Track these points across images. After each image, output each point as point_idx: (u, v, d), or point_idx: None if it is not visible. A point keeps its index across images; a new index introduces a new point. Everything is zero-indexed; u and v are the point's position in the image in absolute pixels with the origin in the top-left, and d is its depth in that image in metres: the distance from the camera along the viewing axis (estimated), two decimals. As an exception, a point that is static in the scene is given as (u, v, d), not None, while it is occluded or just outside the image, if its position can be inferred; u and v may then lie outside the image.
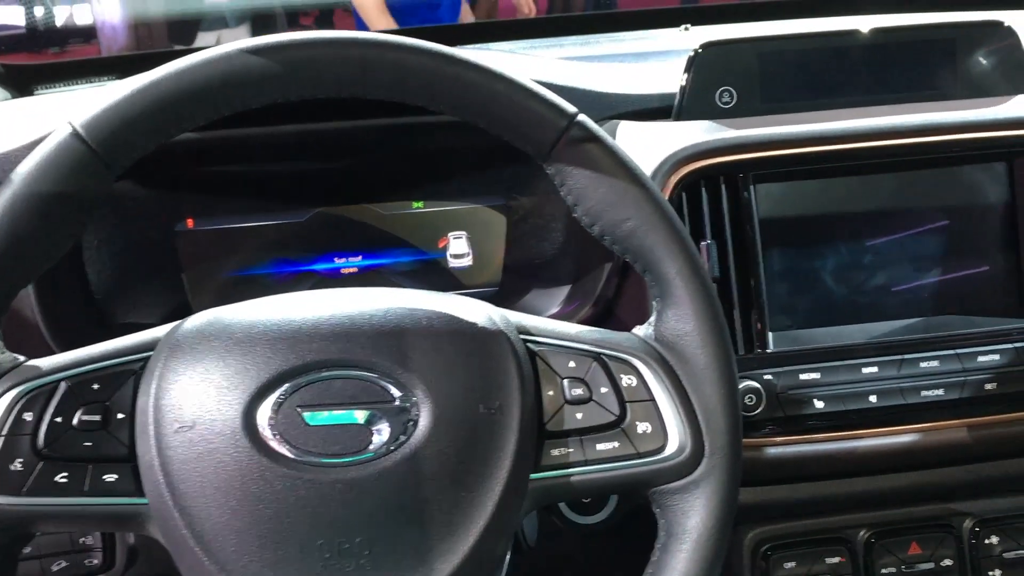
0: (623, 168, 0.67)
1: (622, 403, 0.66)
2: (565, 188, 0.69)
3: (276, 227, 1.05)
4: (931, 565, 0.98)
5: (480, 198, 1.08)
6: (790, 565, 0.97)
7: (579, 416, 0.66)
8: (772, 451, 0.91)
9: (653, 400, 0.66)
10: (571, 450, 0.65)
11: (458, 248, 1.09)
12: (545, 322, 0.69)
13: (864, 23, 1.03)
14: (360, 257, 1.08)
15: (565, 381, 0.66)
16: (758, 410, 0.88)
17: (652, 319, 0.69)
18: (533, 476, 0.65)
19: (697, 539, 0.65)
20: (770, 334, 0.92)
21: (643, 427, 0.66)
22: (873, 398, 0.90)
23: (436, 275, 1.08)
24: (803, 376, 0.90)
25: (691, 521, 0.65)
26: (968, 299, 0.96)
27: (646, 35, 1.43)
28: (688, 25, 1.39)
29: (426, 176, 1.08)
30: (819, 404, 0.90)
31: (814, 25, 1.27)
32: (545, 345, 0.67)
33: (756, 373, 0.89)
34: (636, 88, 1.03)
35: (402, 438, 0.61)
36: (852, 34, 0.99)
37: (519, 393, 0.64)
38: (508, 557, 0.71)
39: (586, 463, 0.65)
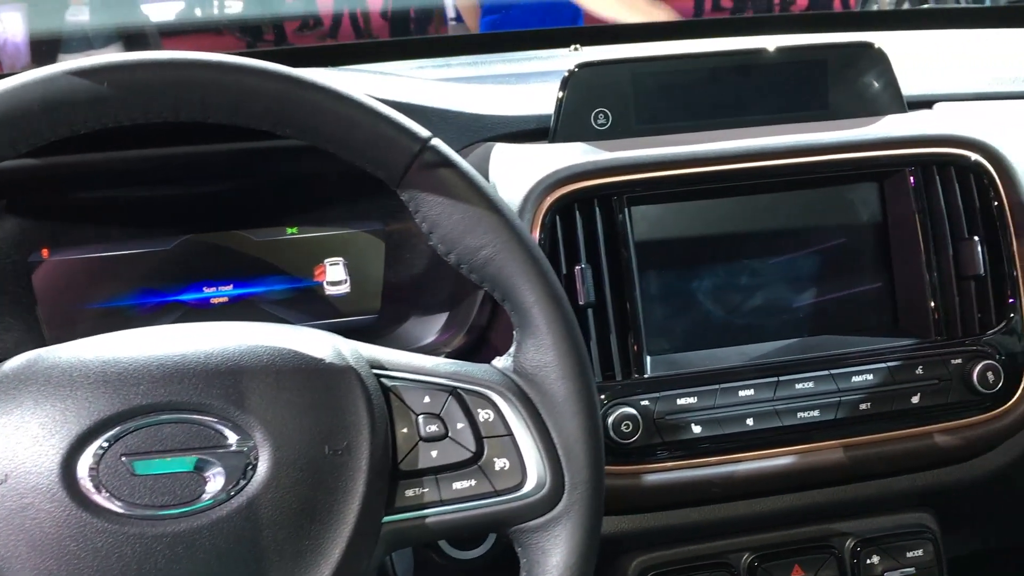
0: (478, 194, 0.65)
1: (479, 439, 0.64)
2: (419, 215, 0.66)
3: (139, 256, 1.00)
4: (814, 588, 0.98)
5: (357, 223, 1.05)
6: (674, 592, 0.96)
7: (434, 454, 0.63)
8: (651, 478, 0.89)
9: (511, 435, 0.64)
10: (426, 490, 0.63)
11: (335, 275, 1.05)
12: (400, 355, 0.66)
13: (740, 44, 1.04)
14: (231, 286, 1.03)
15: (420, 417, 0.64)
16: (635, 437, 0.86)
17: (512, 350, 0.67)
18: (386, 519, 0.62)
19: (558, 578, 0.63)
20: (648, 358, 0.90)
21: (501, 463, 0.63)
22: (750, 421, 0.90)
23: (313, 303, 1.05)
24: (680, 401, 0.88)
25: (552, 560, 0.63)
26: (844, 319, 0.96)
27: (538, 55, 1.42)
28: (578, 45, 1.38)
29: (300, 201, 1.04)
30: (697, 429, 0.89)
31: (690, 46, 1.27)
32: (399, 380, 0.64)
33: (633, 399, 0.87)
34: (513, 109, 1.01)
35: (240, 484, 0.58)
36: (726, 55, 0.99)
37: (368, 432, 0.61)
38: None
39: (442, 503, 0.63)
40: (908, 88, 1.02)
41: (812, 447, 0.91)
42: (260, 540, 0.57)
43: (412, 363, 0.65)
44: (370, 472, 0.60)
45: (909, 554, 1.00)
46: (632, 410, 0.86)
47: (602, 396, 0.87)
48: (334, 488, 0.59)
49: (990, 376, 0.91)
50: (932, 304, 0.94)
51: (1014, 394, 0.94)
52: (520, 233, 0.65)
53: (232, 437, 0.58)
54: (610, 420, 0.86)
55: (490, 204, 0.65)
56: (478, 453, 0.63)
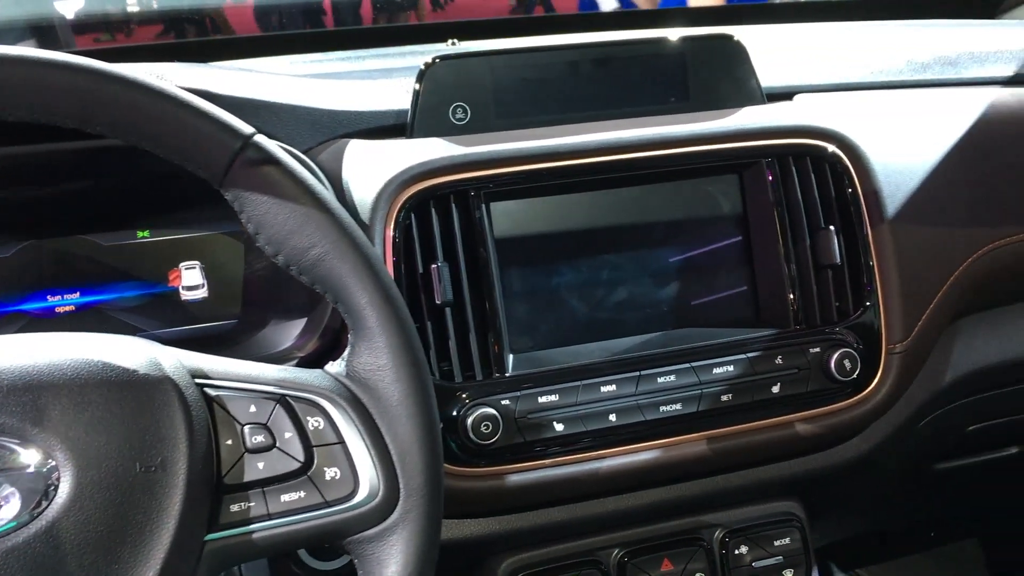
0: (306, 192, 0.63)
1: (308, 448, 0.61)
2: (245, 215, 0.63)
3: None
4: (683, 580, 0.98)
5: (214, 224, 1.01)
6: (543, 593, 0.95)
7: (261, 466, 0.60)
8: (515, 478, 0.87)
9: (342, 443, 0.61)
10: (252, 504, 0.60)
11: (191, 279, 1.01)
12: (225, 363, 0.63)
13: (601, 37, 1.03)
14: (78, 294, 0.98)
15: (245, 428, 0.61)
16: (495, 438, 0.84)
17: (346, 353, 0.64)
18: (209, 537, 0.59)
19: (393, 590, 0.61)
20: (510, 357, 0.89)
21: (332, 473, 0.61)
22: (613, 417, 0.89)
23: (168, 309, 1.00)
24: (542, 399, 0.87)
25: (388, 570, 0.61)
26: (706, 311, 0.96)
27: (415, 51, 1.39)
28: (455, 40, 1.36)
29: (152, 202, 1.00)
30: (559, 427, 0.87)
31: (551, 39, 1.26)
32: (223, 389, 0.61)
33: (493, 399, 0.86)
34: (372, 105, 0.98)
35: (41, 507, 0.54)
36: (585, 48, 0.98)
37: (186, 446, 0.57)
38: None
39: (269, 517, 0.60)
40: (768, 80, 1.03)
41: (675, 440, 0.91)
42: (64, 566, 0.53)
43: (237, 371, 0.62)
44: (188, 488, 0.57)
45: (777, 543, 1.01)
46: (492, 410, 0.85)
47: (463, 396, 0.85)
48: (147, 507, 0.56)
49: (847, 364, 0.92)
50: (791, 294, 0.94)
51: (872, 381, 0.95)
52: (351, 232, 0.63)
53: (29, 458, 0.54)
54: (469, 421, 0.84)
55: (318, 202, 0.63)
56: (307, 463, 0.61)
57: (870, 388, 0.95)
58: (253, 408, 0.61)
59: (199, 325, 1.00)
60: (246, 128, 0.63)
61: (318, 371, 0.64)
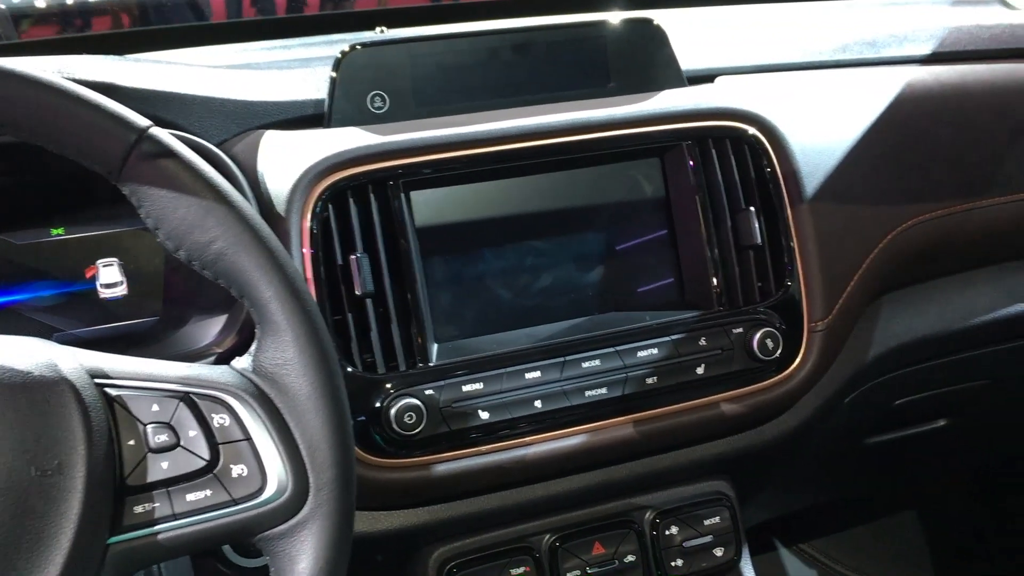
0: (205, 185, 0.61)
1: (213, 446, 0.60)
2: (143, 210, 0.62)
3: None
4: (615, 564, 0.98)
5: (131, 220, 0.98)
6: (475, 581, 0.95)
7: (165, 465, 0.59)
8: (441, 468, 0.87)
9: (248, 439, 0.61)
10: (157, 504, 0.59)
11: (109, 276, 0.98)
12: (126, 362, 0.62)
13: (526, 23, 1.02)
14: (-9, 294, 0.95)
15: (148, 428, 0.59)
16: (419, 428, 0.84)
17: (252, 348, 0.63)
18: (112, 540, 0.58)
19: (305, 586, 0.60)
20: (434, 346, 0.88)
21: (238, 470, 0.60)
22: (538, 403, 0.89)
23: (86, 308, 0.98)
24: (466, 388, 0.87)
25: (300, 566, 0.60)
26: (632, 295, 0.96)
27: (344, 39, 1.37)
28: (383, 28, 1.34)
29: (65, 199, 0.97)
30: (484, 415, 0.87)
31: (470, 26, 1.25)
32: (125, 389, 0.60)
33: (416, 389, 0.85)
34: (290, 95, 0.97)
35: None
36: (505, 34, 0.97)
37: (85, 448, 0.56)
38: None
39: (175, 517, 0.59)
40: (689, 63, 1.03)
41: (602, 425, 0.91)
42: (-45, 577, 0.52)
43: (139, 370, 0.61)
44: (87, 491, 0.55)
45: (707, 522, 1.02)
46: (415, 400, 0.84)
47: (386, 387, 0.85)
48: (44, 513, 0.54)
49: (769, 343, 0.93)
50: (713, 276, 0.95)
51: (795, 359, 0.96)
52: (253, 225, 0.62)
53: None
54: (392, 412, 0.83)
55: (218, 195, 0.61)
56: (213, 461, 0.60)
57: (793, 366, 0.96)
58: (156, 407, 0.60)
59: (119, 323, 0.98)
60: (141, 121, 0.61)
61: (224, 367, 0.63)
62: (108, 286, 0.98)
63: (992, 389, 1.23)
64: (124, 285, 0.99)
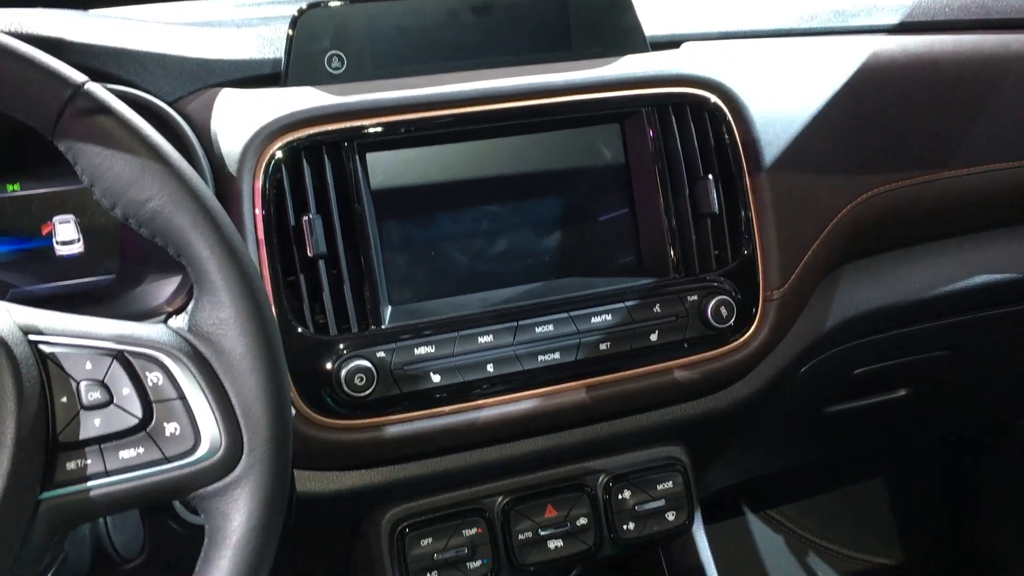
0: (141, 143, 0.61)
1: (147, 404, 0.60)
2: (79, 167, 0.62)
3: None
4: (567, 526, 0.99)
5: (88, 177, 0.98)
6: (427, 541, 0.96)
7: (98, 423, 0.59)
8: (392, 430, 0.88)
9: (182, 398, 0.61)
10: (89, 461, 0.59)
11: (65, 234, 0.98)
12: (60, 319, 0.62)
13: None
14: (-56, 250, 0.95)
15: (81, 385, 0.60)
16: (370, 390, 0.84)
17: (189, 307, 0.63)
18: (44, 495, 0.58)
19: (237, 543, 0.61)
20: (388, 309, 0.88)
21: (171, 428, 0.60)
22: (490, 367, 0.89)
23: (42, 265, 0.97)
24: (418, 351, 0.87)
25: (232, 524, 0.61)
26: (589, 261, 0.96)
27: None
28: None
29: (21, 154, 0.96)
30: (436, 378, 0.87)
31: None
32: (58, 346, 0.60)
33: (368, 351, 0.85)
34: (247, 53, 0.96)
35: None
36: None
37: (15, 404, 0.56)
38: None
39: (107, 474, 0.59)
40: (655, 28, 1.02)
41: (555, 389, 0.92)
42: None
43: (73, 327, 0.61)
44: (17, 447, 0.56)
45: (660, 487, 1.02)
46: (366, 362, 0.84)
47: (338, 348, 0.85)
48: None
49: (723, 311, 0.94)
50: (670, 243, 0.95)
51: (749, 327, 0.97)
52: (190, 183, 0.62)
53: None
54: (343, 374, 0.83)
55: (155, 153, 0.61)
56: (146, 419, 0.60)
57: (748, 334, 0.97)
58: (89, 364, 0.60)
59: (74, 281, 0.98)
60: (77, 76, 0.61)
61: (159, 326, 0.63)
62: (64, 243, 0.98)
63: (952, 359, 1.23)
64: (80, 243, 0.98)
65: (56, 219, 0.98)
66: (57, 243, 0.98)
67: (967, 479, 1.71)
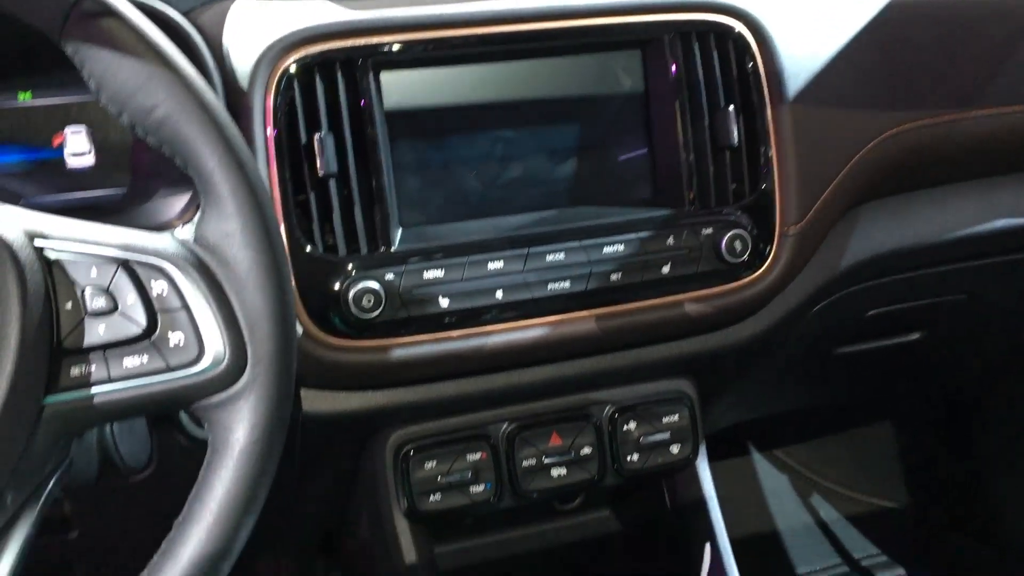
0: (149, 48, 0.60)
1: (151, 313, 0.60)
2: (86, 71, 0.61)
3: None
4: (571, 455, 1.00)
5: (101, 89, 0.97)
6: (431, 464, 0.96)
7: (102, 330, 0.59)
8: (399, 352, 0.87)
9: (187, 308, 0.60)
10: (93, 367, 0.59)
11: (77, 145, 0.97)
12: (66, 224, 0.61)
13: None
14: (-45, 158, 0.94)
15: (86, 291, 0.59)
16: (377, 311, 0.84)
17: (196, 218, 0.63)
18: (48, 400, 0.58)
19: (240, 453, 0.61)
20: (398, 231, 0.88)
21: (176, 338, 0.60)
22: (499, 293, 0.88)
23: (53, 176, 0.97)
24: (427, 274, 0.86)
25: (234, 435, 0.61)
26: (603, 190, 0.95)
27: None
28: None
29: (33, 63, 0.95)
30: (444, 302, 0.87)
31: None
32: (63, 252, 0.60)
33: (376, 273, 0.85)
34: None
35: None
36: None
37: (19, 307, 0.56)
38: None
39: (111, 380, 0.59)
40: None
41: (563, 318, 0.91)
42: None
43: (79, 233, 0.61)
44: (21, 350, 0.56)
45: (665, 419, 1.02)
46: (374, 284, 0.84)
47: (347, 269, 0.84)
48: None
49: (738, 245, 0.92)
50: (687, 174, 0.93)
51: (763, 263, 0.96)
52: (198, 91, 0.61)
53: None
54: (351, 295, 0.83)
55: (162, 59, 0.60)
56: (150, 328, 0.60)
57: (762, 270, 0.96)
58: (94, 272, 0.60)
59: (85, 194, 0.97)
60: None
61: (166, 236, 0.63)
62: (76, 155, 0.97)
63: (968, 304, 1.22)
64: (92, 155, 0.98)
65: (68, 130, 0.97)
66: (68, 155, 0.97)
67: (973, 425, 1.70)
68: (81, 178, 0.98)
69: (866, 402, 1.80)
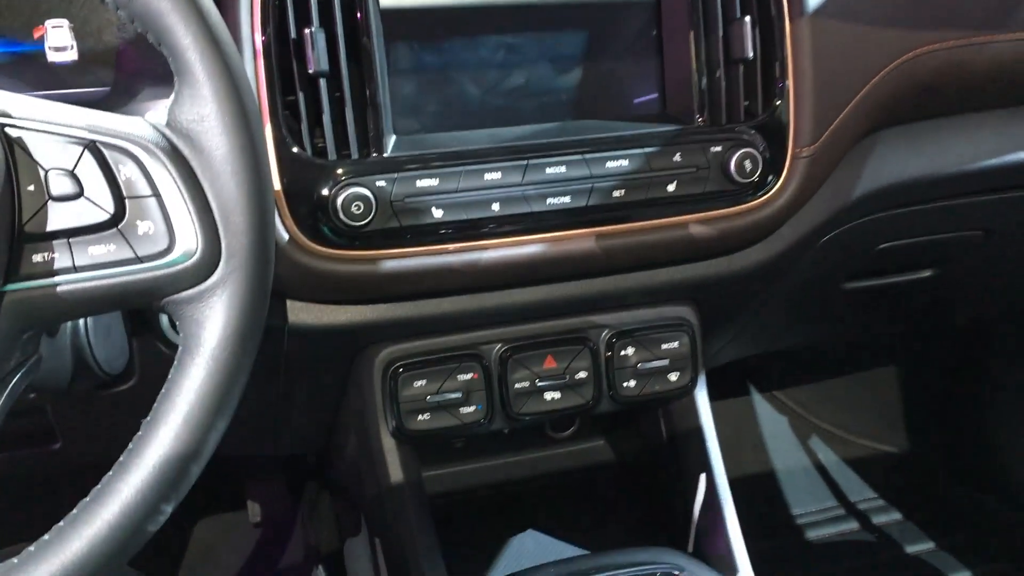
0: None
1: (119, 199, 0.56)
2: None
3: None
4: (565, 379, 0.96)
5: (83, -20, 0.92)
6: (420, 383, 0.93)
7: (66, 215, 0.56)
8: (389, 264, 0.84)
9: (157, 196, 0.57)
10: (56, 255, 0.55)
11: (58, 39, 0.92)
12: (31, 104, 0.57)
13: None
14: (-69, 47, 0.90)
15: (50, 174, 0.55)
16: (367, 220, 0.80)
17: (169, 101, 0.59)
18: (9, 287, 0.55)
19: (211, 352, 0.58)
20: (393, 138, 0.83)
21: (145, 227, 0.57)
22: (496, 206, 0.84)
23: (34, 71, 0.93)
24: (420, 183, 0.82)
25: (205, 333, 0.58)
26: (607, 103, 0.90)
27: None
28: None
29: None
30: (437, 213, 0.83)
31: None
32: (27, 131, 0.56)
33: (367, 179, 0.81)
34: None
35: None
36: None
37: None
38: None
39: (75, 270, 0.56)
40: None
41: (562, 235, 0.87)
42: None
43: (44, 112, 0.57)
44: None
45: (664, 346, 0.99)
46: (365, 191, 0.80)
47: (337, 173, 0.80)
48: None
49: (748, 165, 0.88)
50: (698, 88, 0.89)
51: (774, 185, 0.91)
52: None
53: None
54: (340, 201, 0.79)
55: None
56: (118, 215, 0.56)
57: (771, 193, 0.91)
58: (59, 153, 0.56)
59: (67, 91, 0.93)
60: None
61: (136, 118, 0.59)
62: (57, 49, 0.92)
63: (984, 241, 1.18)
64: (74, 50, 0.93)
65: (49, 23, 0.92)
66: (49, 48, 0.93)
67: (979, 369, 1.67)
68: (63, 74, 0.93)
69: (870, 343, 1.77)
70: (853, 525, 1.70)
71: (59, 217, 0.55)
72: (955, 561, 1.60)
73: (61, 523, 0.56)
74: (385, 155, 0.82)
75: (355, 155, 0.81)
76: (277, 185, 0.79)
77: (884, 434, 1.84)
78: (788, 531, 1.69)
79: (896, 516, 1.73)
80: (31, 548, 0.55)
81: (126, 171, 0.56)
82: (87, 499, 0.56)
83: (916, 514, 1.72)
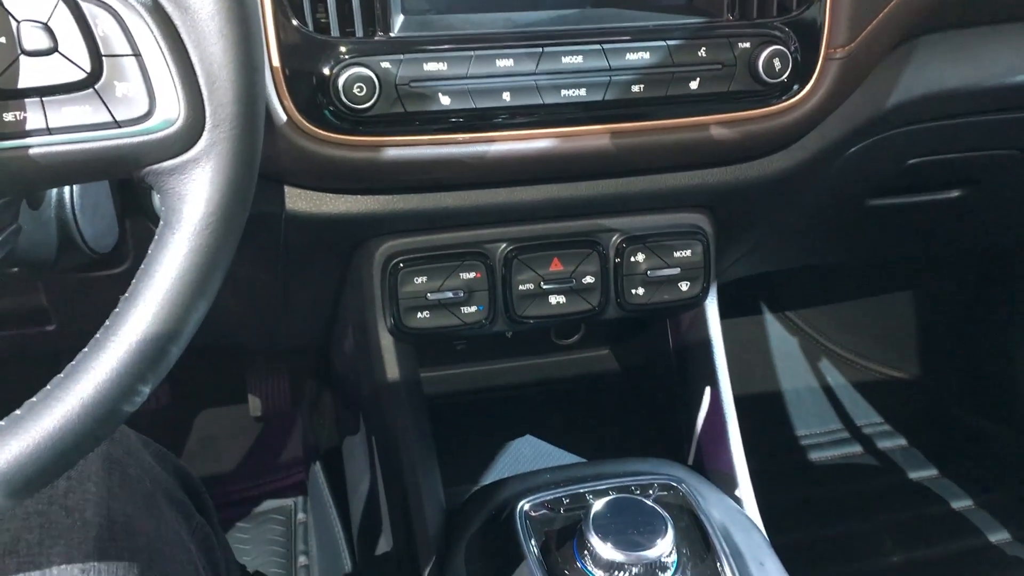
0: None
1: (96, 57, 0.52)
2: None
3: None
4: (571, 283, 0.93)
5: None
6: (420, 280, 0.90)
7: (39, 72, 0.52)
8: (392, 152, 0.80)
9: (138, 55, 0.52)
10: (28, 114, 0.52)
11: None
12: None
13: None
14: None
15: (22, 26, 0.51)
16: (370, 103, 0.75)
17: (152, -47, 0.54)
18: (-23, 148, 0.51)
19: (193, 228, 0.54)
20: (400, 17, 0.78)
21: (123, 89, 0.52)
22: (507, 96, 0.80)
23: None
24: (428, 67, 0.77)
25: (187, 206, 0.54)
26: (634, -10, 0.85)
27: None
28: None
29: None
30: (445, 100, 0.78)
31: None
32: None
33: (371, 60, 0.76)
34: None
35: None
36: None
37: None
38: None
39: (49, 132, 0.52)
40: None
41: (575, 131, 0.83)
42: None
43: None
44: None
45: (676, 254, 0.95)
46: (368, 72, 0.75)
47: (339, 51, 0.76)
48: None
49: (777, 64, 0.83)
50: (728, -22, 0.83)
51: (804, 87, 0.86)
52: None
53: None
54: (341, 81, 0.75)
55: None
56: (95, 74, 0.52)
57: (800, 96, 0.86)
58: (32, 3, 0.51)
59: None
60: None
61: None
62: None
63: (1019, 161, 1.12)
64: None
65: None
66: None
67: (1000, 296, 1.63)
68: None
69: (887, 266, 1.73)
70: (857, 448, 1.69)
71: (31, 73, 0.51)
72: (957, 488, 1.58)
73: (34, 398, 0.53)
74: (392, 35, 0.77)
75: (359, 33, 0.76)
76: (276, 61, 0.75)
77: (896, 360, 1.81)
78: (791, 451, 1.68)
79: (901, 441, 1.71)
80: (1, 423, 0.52)
81: (104, 26, 0.52)
82: (61, 375, 0.54)
83: (922, 440, 1.70)
